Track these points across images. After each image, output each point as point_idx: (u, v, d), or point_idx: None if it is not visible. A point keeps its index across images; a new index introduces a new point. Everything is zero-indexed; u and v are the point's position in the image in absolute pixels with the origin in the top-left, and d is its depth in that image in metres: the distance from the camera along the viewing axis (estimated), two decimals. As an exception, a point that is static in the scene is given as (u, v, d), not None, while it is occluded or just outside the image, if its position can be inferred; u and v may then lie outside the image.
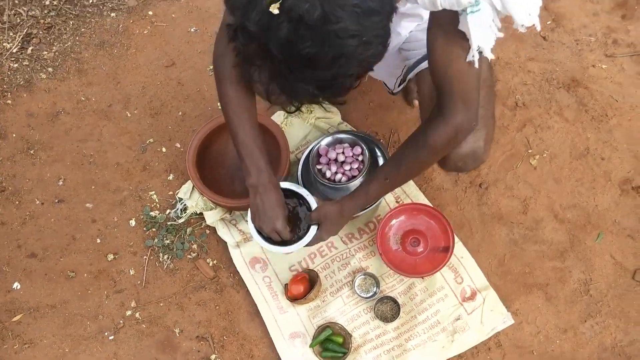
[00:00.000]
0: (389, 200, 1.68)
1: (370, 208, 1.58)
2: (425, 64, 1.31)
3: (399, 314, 1.54)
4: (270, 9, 0.80)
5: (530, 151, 1.74)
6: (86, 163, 1.82)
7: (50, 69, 1.95)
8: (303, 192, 1.41)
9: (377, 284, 1.59)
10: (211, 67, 1.92)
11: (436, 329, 1.53)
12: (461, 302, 1.55)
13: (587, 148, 1.73)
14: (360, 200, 1.31)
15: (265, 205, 1.32)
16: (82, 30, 2.01)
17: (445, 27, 0.97)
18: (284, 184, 1.40)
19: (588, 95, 1.80)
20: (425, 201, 1.66)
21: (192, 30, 1.99)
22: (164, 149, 1.82)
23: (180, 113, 1.87)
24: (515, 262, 1.61)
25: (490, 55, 0.97)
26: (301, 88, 0.87)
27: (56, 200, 1.77)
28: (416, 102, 1.80)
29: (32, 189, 1.79)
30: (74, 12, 2.03)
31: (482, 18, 0.92)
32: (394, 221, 1.51)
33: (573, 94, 1.81)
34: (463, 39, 0.96)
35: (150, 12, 2.02)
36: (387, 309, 1.57)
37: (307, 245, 1.38)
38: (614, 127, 1.75)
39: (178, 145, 1.82)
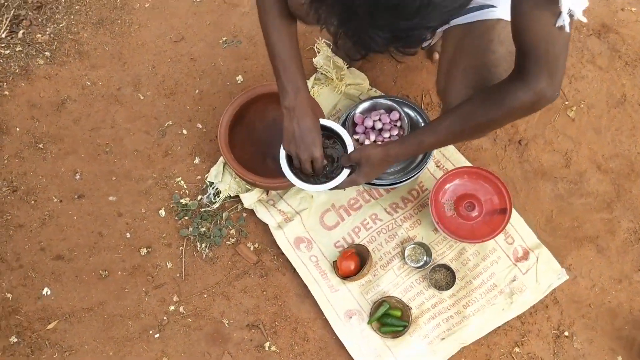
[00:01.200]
0: (430, 167, 1.62)
1: (412, 178, 1.52)
2: (456, 21, 1.24)
3: (454, 281, 1.50)
4: None
5: (566, 103, 1.69)
6: (102, 153, 1.69)
7: (47, 53, 1.78)
8: (340, 130, 1.35)
9: (427, 252, 1.55)
10: (224, 38, 1.79)
11: (493, 292, 1.51)
12: (514, 262, 1.53)
13: (623, 95, 1.69)
14: (410, 148, 1.22)
15: (303, 129, 1.25)
16: (77, 7, 1.84)
17: None
18: (321, 121, 1.33)
19: (620, 40, 1.75)
20: (467, 163, 1.61)
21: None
22: (184, 131, 1.71)
23: (197, 91, 1.75)
24: (563, 217, 1.59)
25: (582, 19, 0.89)
26: (377, 36, 0.80)
27: (76, 196, 1.65)
28: (436, 56, 1.72)
29: (47, 185, 1.66)
30: (63, -11, 1.85)
31: None
32: (447, 186, 1.45)
33: (604, 40, 1.76)
34: (553, 3, 0.88)
35: (149, -17, 1.86)
36: (441, 277, 1.53)
37: (338, 188, 1.32)
38: (647, 72, 1.72)
39: (199, 125, 1.71)
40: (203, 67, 1.77)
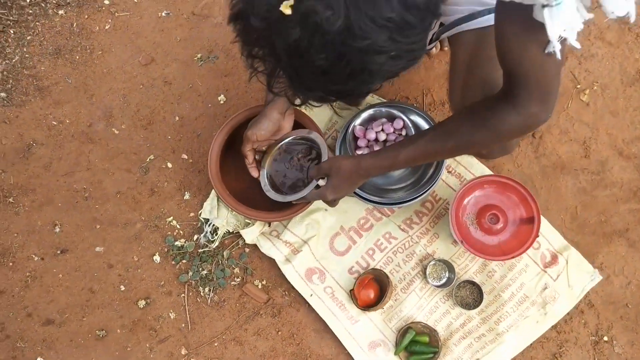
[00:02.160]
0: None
1: (427, 192, 1.39)
2: (465, 26, 1.11)
3: (481, 296, 1.40)
4: (281, 8, 0.63)
5: (578, 86, 1.56)
6: (81, 200, 1.53)
7: (2, 94, 1.59)
8: (317, 139, 1.26)
9: (449, 268, 1.43)
10: (199, 55, 1.62)
11: (525, 304, 1.41)
12: (543, 269, 1.42)
13: (638, 71, 1.57)
14: (385, 161, 1.12)
15: (250, 125, 1.24)
16: (28, 38, 1.64)
17: (517, 12, 0.77)
18: (299, 131, 1.30)
19: (627, 11, 1.62)
20: (483, 168, 1.48)
21: (164, 14, 1.65)
22: (169, 165, 1.55)
23: (176, 118, 1.58)
24: (588, 213, 1.48)
25: (576, 45, 0.76)
26: (308, 93, 0.73)
27: (58, 251, 1.49)
28: (435, 50, 1.59)
29: (24, 243, 1.50)
30: (11, 18, 1.65)
31: (563, 9, 0.72)
32: (466, 200, 1.33)
33: (611, 12, 1.62)
34: (540, 28, 0.75)
35: (107, 1, 1.66)
36: (467, 294, 1.42)
37: (304, 200, 1.25)
38: (660, 42, 1.59)
39: (185, 156, 1.55)
40: (180, 90, 1.60)
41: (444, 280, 1.44)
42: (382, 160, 1.12)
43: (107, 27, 1.65)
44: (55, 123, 1.58)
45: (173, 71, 1.61)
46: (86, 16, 1.66)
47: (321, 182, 1.22)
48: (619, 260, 1.45)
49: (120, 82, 1.61)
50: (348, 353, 1.41)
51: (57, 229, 1.50)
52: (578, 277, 1.42)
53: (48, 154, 1.56)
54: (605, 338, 1.40)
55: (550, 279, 1.41)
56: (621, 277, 1.44)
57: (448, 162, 1.49)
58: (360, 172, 1.15)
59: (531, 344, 1.39)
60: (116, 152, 1.56)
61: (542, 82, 0.89)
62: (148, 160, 1.55)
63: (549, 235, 1.44)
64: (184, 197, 1.52)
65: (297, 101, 0.79)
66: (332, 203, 1.23)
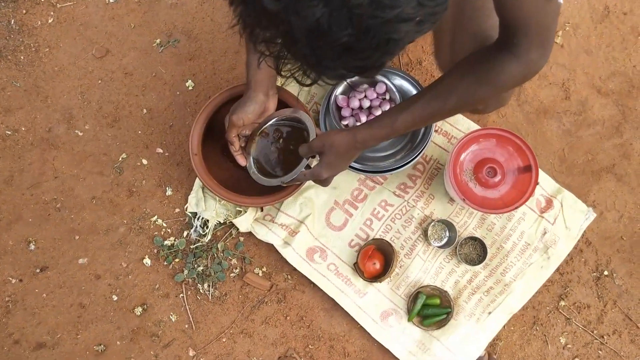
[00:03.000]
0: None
1: (419, 155, 1.36)
2: None
3: (484, 251, 1.39)
4: None
5: (550, 29, 1.55)
6: (53, 211, 1.41)
7: (-56, 109, 1.44)
8: (302, 115, 1.19)
9: (449, 228, 1.42)
10: (158, 40, 1.50)
11: (528, 251, 1.41)
12: (540, 214, 1.43)
13: (606, 7, 1.57)
14: (382, 130, 1.05)
15: (243, 98, 1.17)
16: (-38, 43, 1.48)
17: None
18: (282, 112, 1.22)
19: (588, -53, 1.61)
20: (469, 123, 1.46)
21: (111, 0, 1.52)
22: (144, 161, 1.45)
23: (144, 111, 1.47)
24: (575, 153, 1.49)
25: None
26: (327, 72, 0.67)
27: (37, 270, 1.38)
28: None
29: (-3, 267, 1.38)
30: (-62, 22, 1.47)
31: None
32: (462, 156, 1.30)
33: (573, -50, 1.61)
34: None
35: (45, -8, 1.51)
36: (471, 250, 1.41)
37: (296, 182, 1.17)
38: (621, -24, 1.60)
39: (160, 150, 1.45)
40: (143, 81, 1.49)
41: (445, 240, 1.43)
42: (378, 129, 1.06)
43: (50, 21, 1.50)
44: (9, 132, 1.44)
45: (132, 61, 1.49)
46: (24, 11, 1.50)
47: (313, 162, 1.16)
48: (609, 195, 1.47)
49: (75, 80, 1.48)
50: (360, 327, 1.38)
51: (32, 246, 1.39)
52: (574, 217, 1.43)
53: (7, 167, 1.42)
54: (606, 272, 1.44)
55: (549, 224, 1.42)
56: (613, 211, 1.46)
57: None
58: (356, 146, 1.08)
59: (537, 289, 1.41)
60: (84, 156, 1.44)
61: (542, 28, 0.87)
62: (120, 159, 1.44)
63: (541, 181, 1.44)
64: (166, 193, 1.43)
65: (308, 81, 0.72)
66: (325, 182, 1.16)
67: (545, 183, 1.45)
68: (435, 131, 1.47)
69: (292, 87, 1.44)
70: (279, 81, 1.43)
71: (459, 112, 1.12)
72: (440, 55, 1.17)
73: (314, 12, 0.58)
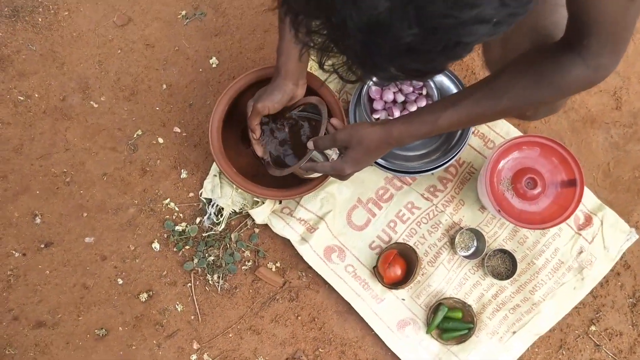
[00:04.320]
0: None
1: (454, 158, 1.26)
2: None
3: (513, 265, 1.30)
4: None
5: (607, 31, 1.43)
6: (62, 185, 1.34)
7: (-45, 68, 1.36)
8: (319, 104, 1.11)
9: (478, 237, 1.33)
10: (183, 12, 1.41)
11: (561, 270, 1.32)
12: (578, 231, 1.33)
13: (670, 11, 1.44)
14: (422, 127, 0.94)
15: (271, 85, 1.09)
16: (-22, -1, 1.40)
17: None
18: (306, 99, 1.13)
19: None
20: (508, 127, 1.36)
21: (138, -35, 1.43)
22: (160, 140, 1.37)
23: (164, 86, 1.39)
24: (622, 169, 1.38)
25: None
26: (378, 72, 0.58)
27: (42, 245, 1.32)
28: None
29: (1, 238, 1.32)
30: (-45, -25, 1.39)
31: None
32: (502, 164, 1.20)
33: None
34: None
35: (68, -49, 1.42)
36: (499, 263, 1.32)
37: (313, 171, 1.06)
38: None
39: (177, 129, 1.37)
40: (165, 54, 1.40)
41: (472, 250, 1.34)
42: (418, 126, 0.95)
43: (72, -17, 1.41)
44: (21, 98, 1.36)
45: (155, 32, 1.40)
46: (46, -30, 1.42)
47: (331, 154, 1.07)
48: (654, 217, 1.37)
49: (93, 47, 1.39)
50: (375, 334, 1.30)
51: (38, 220, 1.32)
52: (614, 237, 1.33)
53: (17, 135, 1.35)
54: (643, 299, 1.34)
55: (586, 242, 1.32)
56: (657, 234, 1.36)
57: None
58: (390, 142, 0.98)
59: (568, 312, 1.32)
60: (97, 129, 1.36)
61: (618, 30, 0.76)
62: (135, 136, 1.36)
63: (582, 195, 1.34)
64: (181, 176, 1.35)
65: (352, 78, 0.63)
66: (345, 177, 1.05)
67: (586, 198, 1.34)
68: (472, 133, 1.36)
69: (319, 72, 1.34)
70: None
71: (509, 116, 1.01)
72: (489, 52, 1.06)
73: (376, 4, 0.48)
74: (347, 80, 0.64)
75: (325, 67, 0.61)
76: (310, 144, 1.03)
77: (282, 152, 1.17)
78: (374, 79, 0.61)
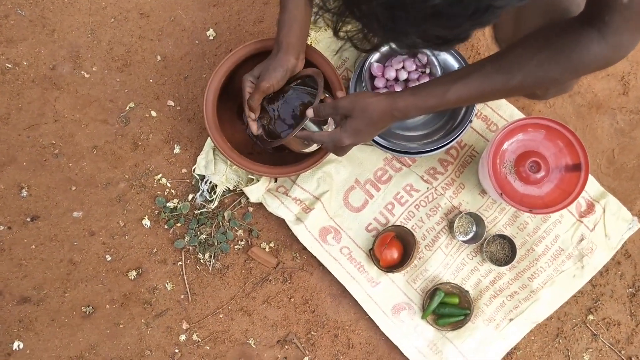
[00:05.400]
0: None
1: (456, 139, 1.22)
2: None
3: (512, 251, 1.27)
4: None
5: (616, 14, 1.39)
6: (50, 157, 1.30)
7: (-60, 32, 1.31)
8: (316, 76, 1.06)
9: (478, 222, 1.29)
10: (180, -19, 1.36)
11: (561, 257, 1.29)
12: (579, 218, 1.30)
13: (681, -4, 1.40)
14: (430, 100, 0.89)
15: (272, 61, 1.04)
16: (-34, -40, 1.34)
17: None
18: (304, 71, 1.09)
19: None
20: (512, 109, 1.32)
21: None
22: (153, 113, 1.32)
23: (158, 57, 1.34)
24: (626, 155, 1.35)
25: None
26: (399, 39, 0.56)
27: (28, 219, 1.28)
28: None
29: (-15, 211, 1.27)
30: None
31: None
32: (506, 145, 1.17)
33: None
34: None
35: None
36: (498, 248, 1.29)
37: (310, 140, 1.01)
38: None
39: (171, 103, 1.32)
40: (160, 24, 1.35)
41: (471, 235, 1.31)
42: (425, 98, 0.89)
43: (64, -54, 1.35)
44: (9, 66, 1.31)
45: (150, 1, 1.35)
46: None
47: (328, 126, 1.04)
48: (657, 206, 1.34)
49: (86, 15, 1.34)
50: (369, 318, 1.28)
51: (24, 193, 1.28)
52: (616, 225, 1.30)
53: (4, 104, 1.30)
54: (642, 290, 1.32)
55: (587, 230, 1.30)
56: (660, 224, 1.33)
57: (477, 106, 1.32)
58: (394, 114, 0.92)
59: (566, 300, 1.29)
60: (88, 100, 1.31)
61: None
62: (127, 108, 1.32)
63: (584, 182, 1.31)
64: (174, 151, 1.31)
65: (367, 47, 0.58)
66: (341, 151, 0.99)
67: (589, 185, 1.31)
68: (475, 115, 1.32)
69: (328, 45, 1.29)
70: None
71: (520, 93, 0.96)
72: (500, 28, 1.02)
73: None
74: (361, 49, 0.60)
75: (339, 34, 0.57)
76: (309, 112, 0.98)
77: (277, 127, 1.13)
78: (394, 47, 0.57)
